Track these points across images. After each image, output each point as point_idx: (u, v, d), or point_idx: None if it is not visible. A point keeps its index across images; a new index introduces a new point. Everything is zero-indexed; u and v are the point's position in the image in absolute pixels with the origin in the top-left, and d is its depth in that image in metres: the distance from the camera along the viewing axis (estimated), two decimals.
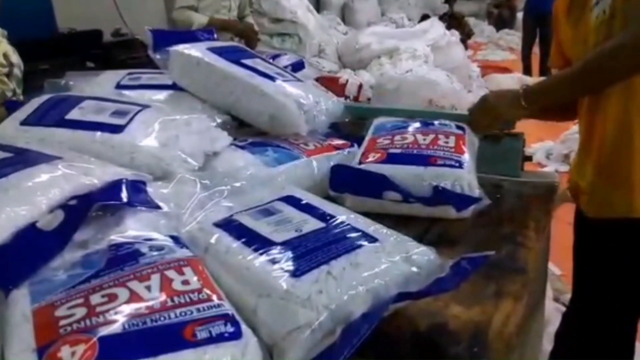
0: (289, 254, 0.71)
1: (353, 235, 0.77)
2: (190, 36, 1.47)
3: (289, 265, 0.68)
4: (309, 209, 0.84)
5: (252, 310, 0.66)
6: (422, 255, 0.75)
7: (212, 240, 0.76)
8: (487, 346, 0.70)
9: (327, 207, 0.86)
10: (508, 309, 0.77)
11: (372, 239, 0.76)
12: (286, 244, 0.73)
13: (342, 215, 0.82)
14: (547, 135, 4.15)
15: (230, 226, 0.79)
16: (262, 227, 0.78)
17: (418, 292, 0.67)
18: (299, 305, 0.63)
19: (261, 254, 0.71)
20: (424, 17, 6.83)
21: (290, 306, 0.63)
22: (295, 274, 0.67)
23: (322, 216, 0.82)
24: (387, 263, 0.71)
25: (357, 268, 0.69)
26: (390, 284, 0.68)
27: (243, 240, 0.75)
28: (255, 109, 1.19)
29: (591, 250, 1.30)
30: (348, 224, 0.79)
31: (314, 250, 0.72)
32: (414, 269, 0.72)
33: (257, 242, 0.74)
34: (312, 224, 0.79)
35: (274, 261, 0.69)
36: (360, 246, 0.74)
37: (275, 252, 0.71)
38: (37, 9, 2.31)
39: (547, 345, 1.66)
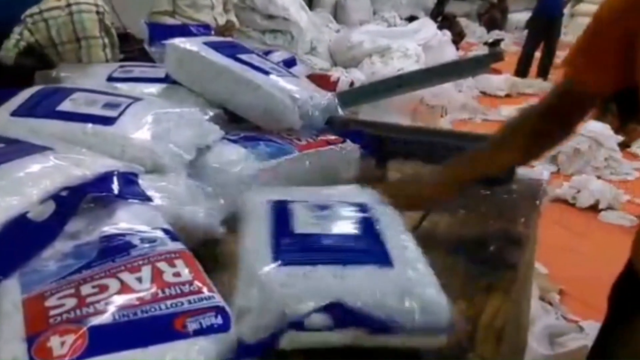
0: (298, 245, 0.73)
1: (373, 249, 0.73)
2: (186, 30, 1.47)
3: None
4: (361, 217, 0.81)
5: None
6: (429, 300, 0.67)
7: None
8: (475, 340, 0.71)
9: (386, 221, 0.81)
10: (497, 304, 0.78)
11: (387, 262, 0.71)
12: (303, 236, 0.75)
13: (389, 231, 0.78)
14: None
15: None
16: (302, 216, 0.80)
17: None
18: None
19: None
20: (412, 18, 6.86)
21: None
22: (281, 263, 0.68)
23: (366, 225, 0.79)
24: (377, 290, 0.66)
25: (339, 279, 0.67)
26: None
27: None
28: (249, 103, 1.20)
29: None
30: (381, 239, 0.75)
31: (320, 250, 0.72)
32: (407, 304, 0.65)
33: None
34: (347, 227, 0.78)
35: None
36: (366, 263, 0.70)
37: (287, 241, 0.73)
38: (29, 4, 2.29)
39: (533, 343, 1.68)
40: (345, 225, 0.79)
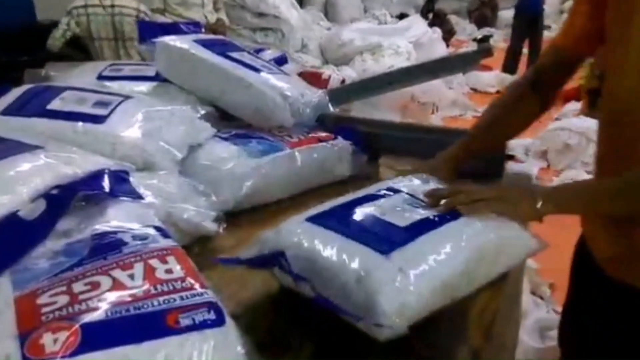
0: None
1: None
2: (176, 28, 1.47)
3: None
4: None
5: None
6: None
7: None
8: (466, 333, 0.72)
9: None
10: (487, 298, 0.79)
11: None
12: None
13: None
14: (526, 132, 4.20)
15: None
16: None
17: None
18: None
19: None
20: (403, 15, 6.89)
21: None
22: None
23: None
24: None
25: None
26: None
27: None
28: (240, 100, 1.20)
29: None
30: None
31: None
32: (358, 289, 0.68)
33: None
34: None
35: None
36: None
37: None
38: (16, 0, 2.32)
39: (525, 337, 1.70)
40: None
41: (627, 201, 0.88)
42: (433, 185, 0.92)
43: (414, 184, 0.92)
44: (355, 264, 0.69)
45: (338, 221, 0.78)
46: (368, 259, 0.69)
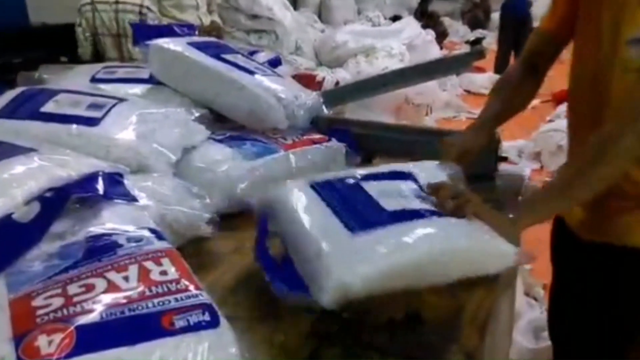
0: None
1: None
2: (170, 31, 1.47)
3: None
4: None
5: None
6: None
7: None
8: (460, 333, 0.72)
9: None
10: (480, 297, 0.80)
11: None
12: None
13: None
14: (519, 134, 4.23)
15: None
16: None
17: None
18: None
19: None
20: (396, 17, 6.91)
21: None
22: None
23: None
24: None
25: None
26: None
27: None
28: (234, 103, 1.20)
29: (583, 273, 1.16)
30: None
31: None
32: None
33: None
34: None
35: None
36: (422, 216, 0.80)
37: None
38: (8, 2, 2.31)
39: (518, 337, 1.70)
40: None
41: (588, 184, 0.94)
42: (448, 179, 0.94)
43: (429, 175, 0.93)
44: (320, 236, 0.75)
45: (334, 191, 0.83)
46: (335, 234, 0.75)
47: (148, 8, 2.70)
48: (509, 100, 1.25)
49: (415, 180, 0.91)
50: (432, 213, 0.81)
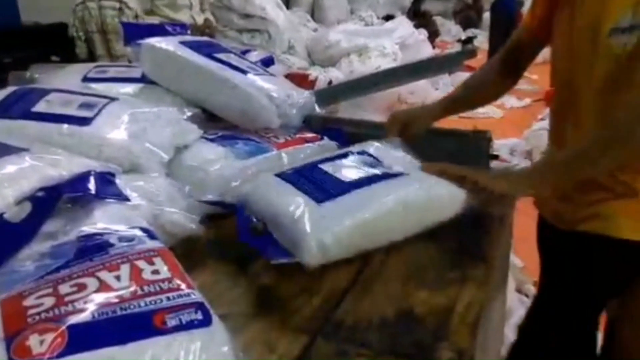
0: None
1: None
2: (162, 30, 1.47)
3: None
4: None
5: None
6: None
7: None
8: (450, 331, 0.73)
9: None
10: (471, 295, 0.80)
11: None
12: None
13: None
14: (511, 132, 4.25)
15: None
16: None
17: None
18: None
19: None
20: (389, 17, 6.92)
21: None
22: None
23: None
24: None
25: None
26: None
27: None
28: (227, 102, 1.20)
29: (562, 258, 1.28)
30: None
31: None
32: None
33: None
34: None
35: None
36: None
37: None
38: (0, 2, 2.31)
39: (510, 334, 1.71)
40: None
41: (613, 158, 1.03)
42: (400, 152, 1.07)
43: (381, 148, 1.08)
44: (292, 209, 0.86)
45: (297, 175, 0.97)
46: (304, 205, 0.87)
47: (126, 5, 2.72)
48: (474, 89, 1.35)
49: (367, 153, 1.04)
50: (386, 176, 0.95)
